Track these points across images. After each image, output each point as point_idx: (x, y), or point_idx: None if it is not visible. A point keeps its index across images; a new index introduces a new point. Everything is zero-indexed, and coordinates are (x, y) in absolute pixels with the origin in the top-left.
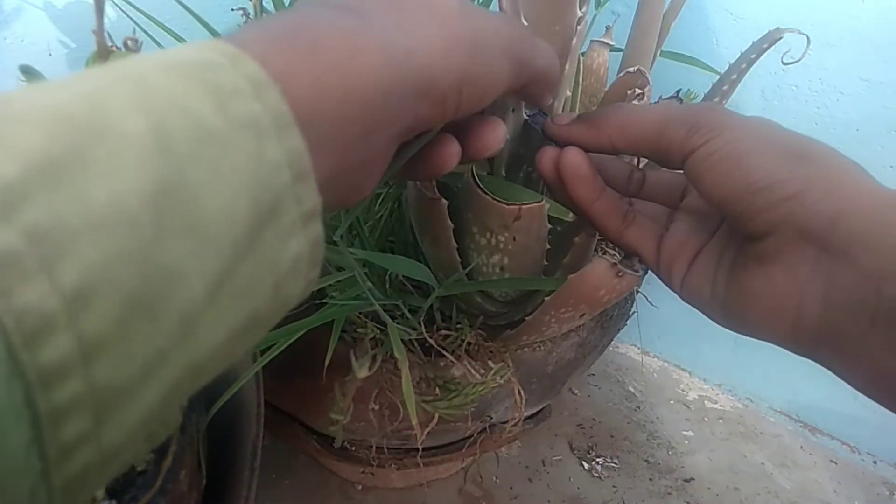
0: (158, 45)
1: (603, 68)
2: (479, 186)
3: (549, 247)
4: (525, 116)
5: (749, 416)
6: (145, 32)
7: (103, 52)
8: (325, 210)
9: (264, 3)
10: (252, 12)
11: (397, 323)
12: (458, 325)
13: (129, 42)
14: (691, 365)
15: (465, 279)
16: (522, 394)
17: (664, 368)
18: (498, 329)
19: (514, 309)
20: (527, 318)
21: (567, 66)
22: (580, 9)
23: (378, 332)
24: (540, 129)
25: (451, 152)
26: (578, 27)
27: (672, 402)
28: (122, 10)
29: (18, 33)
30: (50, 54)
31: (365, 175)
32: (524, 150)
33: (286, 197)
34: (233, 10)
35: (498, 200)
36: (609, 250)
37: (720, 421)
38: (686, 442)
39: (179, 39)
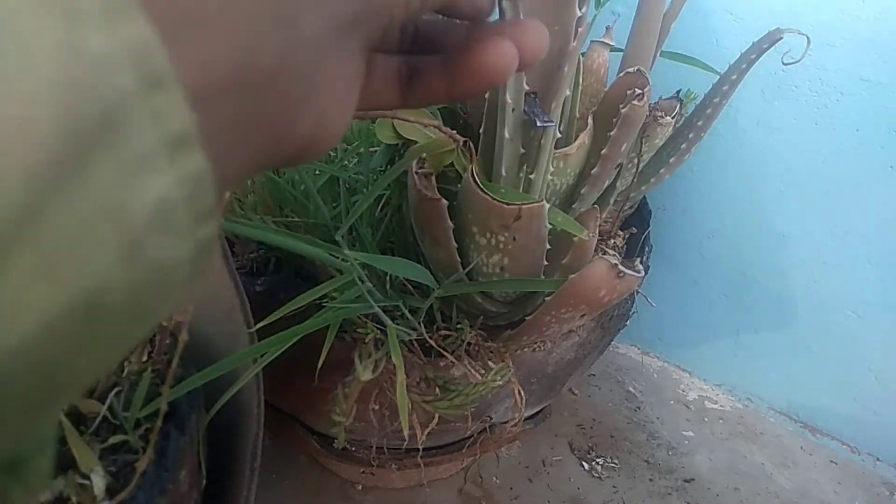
0: None
1: (603, 68)
2: (479, 186)
3: (549, 247)
4: (524, 115)
5: (749, 417)
6: None
7: None
8: (259, 166)
9: None
10: None
11: (397, 324)
12: (459, 326)
13: None
14: (691, 365)
15: (465, 279)
16: (522, 394)
17: (664, 369)
18: (498, 329)
19: (515, 309)
20: (527, 319)
21: (566, 67)
22: (580, 9)
23: (379, 332)
24: (534, 123)
25: (507, 54)
26: (579, 29)
27: (672, 402)
28: None
29: None
30: None
31: (312, 90)
32: (525, 149)
33: (131, 110)
34: None
35: (498, 200)
36: (609, 251)
37: (720, 421)
38: (686, 442)
39: None
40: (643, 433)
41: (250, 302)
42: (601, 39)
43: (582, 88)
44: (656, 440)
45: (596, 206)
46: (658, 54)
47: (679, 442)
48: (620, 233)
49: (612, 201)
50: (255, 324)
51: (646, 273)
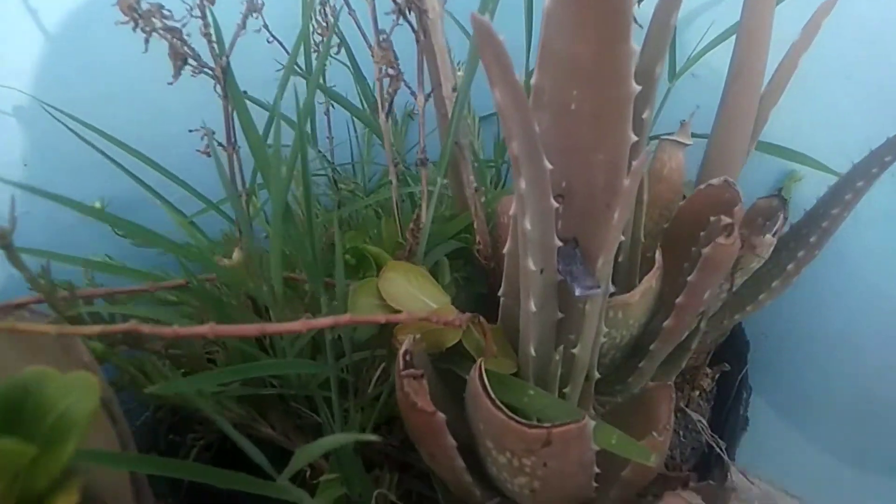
0: None
1: (677, 174)
2: (489, 397)
3: (598, 470)
4: (558, 275)
5: None
6: None
7: None
8: None
9: None
10: None
11: None
12: None
13: None
14: None
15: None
16: None
17: None
18: None
19: None
20: None
21: (617, 210)
22: (636, 133)
23: None
24: (572, 288)
25: None
26: (633, 162)
27: None
28: None
29: None
30: None
31: None
32: (563, 313)
33: None
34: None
35: (516, 420)
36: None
37: None
38: None
39: None
40: None
41: None
42: (674, 137)
43: (649, 200)
44: None
45: (670, 384)
46: (753, 149)
47: None
48: (708, 370)
49: (692, 347)
50: None
51: (745, 429)
